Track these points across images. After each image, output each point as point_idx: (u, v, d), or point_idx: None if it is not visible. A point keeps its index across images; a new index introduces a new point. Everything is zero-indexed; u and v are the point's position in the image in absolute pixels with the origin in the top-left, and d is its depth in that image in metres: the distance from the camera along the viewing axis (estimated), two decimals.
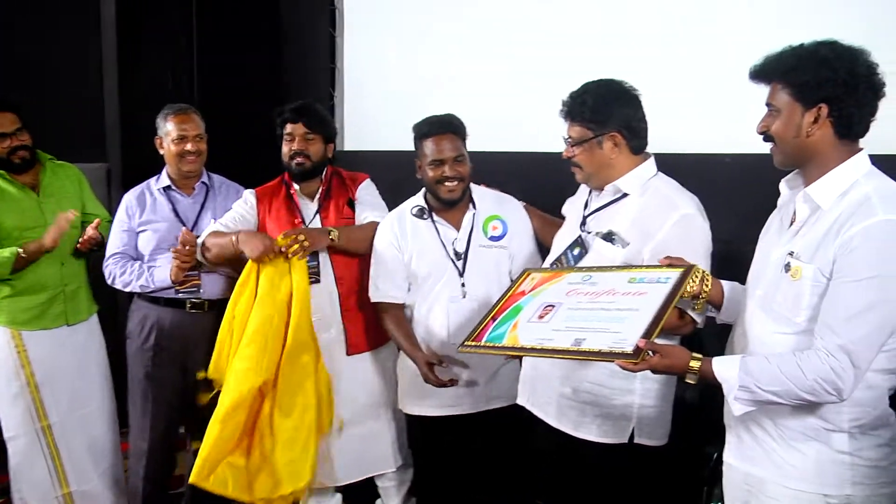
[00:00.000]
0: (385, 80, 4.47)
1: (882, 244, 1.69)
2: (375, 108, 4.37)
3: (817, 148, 1.82)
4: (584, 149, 2.36)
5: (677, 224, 2.25)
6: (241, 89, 4.68)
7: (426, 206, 2.92)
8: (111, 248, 3.26)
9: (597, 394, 2.36)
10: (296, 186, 3.13)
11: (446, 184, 2.81)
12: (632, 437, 2.36)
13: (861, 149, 1.84)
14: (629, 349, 1.90)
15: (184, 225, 3.20)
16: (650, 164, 2.40)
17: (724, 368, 1.83)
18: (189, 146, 3.20)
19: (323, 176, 3.16)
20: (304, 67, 4.93)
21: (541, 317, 2.20)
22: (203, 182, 3.35)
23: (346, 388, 3.05)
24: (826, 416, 1.80)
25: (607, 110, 2.32)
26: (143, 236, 3.24)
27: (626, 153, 2.36)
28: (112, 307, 3.70)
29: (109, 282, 3.25)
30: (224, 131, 4.58)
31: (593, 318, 2.08)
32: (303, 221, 3.07)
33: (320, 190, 3.14)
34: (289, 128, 3.06)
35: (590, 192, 2.51)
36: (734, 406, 1.82)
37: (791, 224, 1.92)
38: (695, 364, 1.87)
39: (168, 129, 3.20)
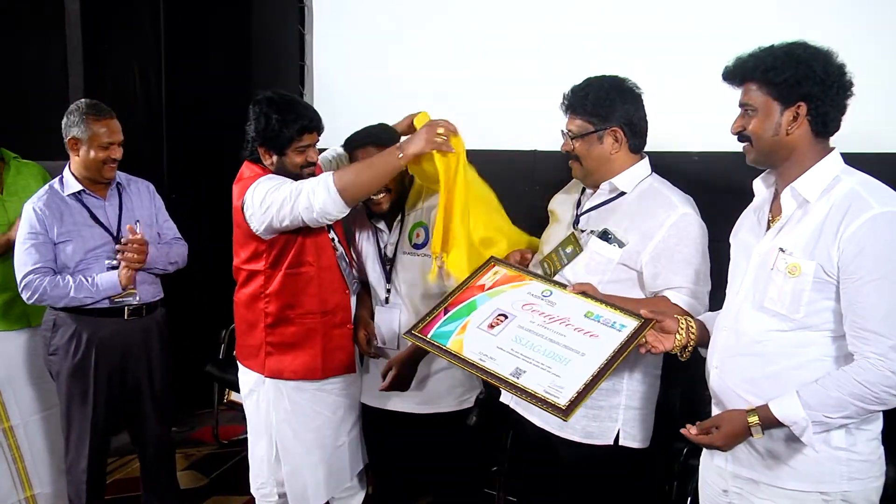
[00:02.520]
0: (354, 78, 4.47)
1: (888, 236, 1.72)
2: (344, 106, 4.34)
3: (795, 146, 1.86)
4: (584, 143, 2.34)
5: (676, 224, 2.26)
6: (209, 86, 4.67)
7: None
8: (26, 264, 2.96)
9: None
10: None
11: (373, 198, 2.77)
12: (616, 439, 2.36)
13: (833, 147, 1.89)
14: (562, 403, 1.98)
15: (107, 231, 3.07)
16: (645, 163, 2.41)
17: (786, 411, 1.79)
18: (115, 154, 3.04)
19: None
20: (274, 65, 4.93)
21: (491, 326, 2.25)
22: (116, 183, 3.18)
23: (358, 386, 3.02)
24: None
25: (610, 105, 2.31)
26: (65, 248, 3.01)
27: (625, 151, 2.35)
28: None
29: (32, 301, 2.98)
30: (192, 128, 4.58)
31: (540, 348, 2.14)
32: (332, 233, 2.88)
33: None
34: (307, 138, 2.75)
35: (583, 189, 2.50)
36: (812, 441, 1.78)
37: (770, 221, 1.95)
38: (753, 419, 1.83)
39: (92, 133, 2.99)
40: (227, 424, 4.61)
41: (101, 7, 4.28)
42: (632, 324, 2.11)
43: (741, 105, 1.92)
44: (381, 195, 2.76)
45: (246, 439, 4.42)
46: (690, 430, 1.90)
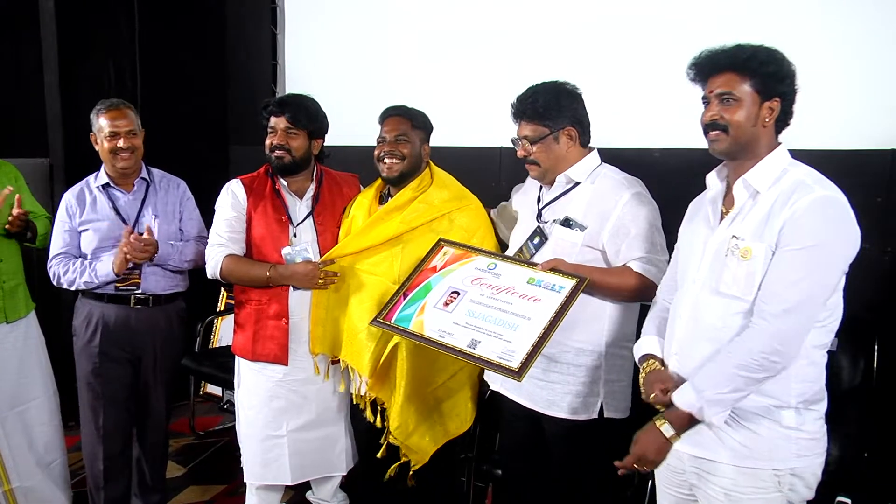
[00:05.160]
0: (325, 77, 4.53)
1: (821, 215, 1.83)
2: None
3: (761, 139, 1.95)
4: (542, 146, 2.48)
5: (629, 203, 2.41)
6: (183, 85, 4.71)
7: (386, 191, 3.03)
8: (54, 248, 3.19)
9: (565, 373, 2.47)
10: (282, 181, 3.09)
11: (386, 160, 2.90)
12: (601, 412, 2.47)
13: (780, 142, 1.99)
14: (515, 366, 2.17)
15: (125, 222, 3.16)
16: (595, 155, 2.56)
17: (683, 400, 1.91)
18: (121, 143, 3.11)
19: (313, 174, 3.13)
20: (247, 64, 4.99)
21: (446, 304, 2.46)
22: (143, 178, 3.27)
23: (316, 388, 3.12)
24: (775, 393, 1.90)
25: (561, 107, 2.46)
26: (84, 235, 3.17)
27: (577, 147, 2.50)
28: (55, 304, 3.68)
29: (55, 282, 3.18)
30: (166, 126, 4.60)
31: (491, 318, 2.34)
32: (289, 219, 3.04)
33: (312, 190, 3.11)
34: (272, 121, 3.00)
35: (540, 186, 2.63)
36: (714, 419, 1.89)
37: (724, 213, 2.03)
38: (662, 424, 1.95)
39: (100, 126, 3.13)
40: (203, 416, 4.68)
41: (76, 6, 4.30)
42: (569, 284, 2.30)
43: (718, 95, 1.95)
44: (394, 160, 2.89)
45: (221, 430, 4.54)
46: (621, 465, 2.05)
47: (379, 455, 2.90)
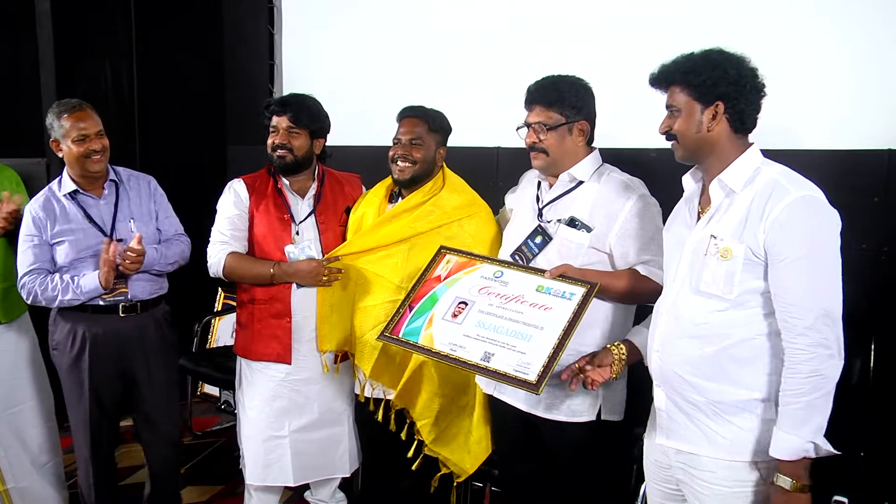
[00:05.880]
0: (323, 77, 4.52)
1: (805, 218, 1.86)
2: None
3: (716, 142, 2.00)
4: (556, 134, 2.45)
5: (636, 205, 2.40)
6: (180, 85, 4.72)
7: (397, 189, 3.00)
8: (23, 265, 2.98)
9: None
10: (284, 180, 3.09)
11: (398, 163, 2.88)
12: (599, 414, 2.46)
13: (752, 142, 2.03)
14: (532, 378, 2.12)
15: (101, 231, 3.02)
16: (597, 154, 2.55)
17: (793, 450, 1.84)
18: (95, 145, 2.97)
19: (315, 174, 3.14)
20: (244, 64, 4.99)
21: (454, 315, 2.38)
22: (111, 180, 3.10)
23: (319, 388, 3.12)
24: (754, 386, 1.93)
25: (580, 99, 2.46)
26: (59, 248, 2.99)
27: (583, 143, 2.49)
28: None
29: (29, 301, 2.99)
30: (163, 127, 4.62)
31: (503, 328, 2.28)
32: (292, 218, 3.04)
33: (314, 189, 3.12)
34: (274, 120, 3.00)
35: (539, 184, 2.61)
36: (830, 447, 1.84)
37: (701, 212, 2.07)
38: (786, 482, 1.86)
39: (65, 129, 2.95)
40: (200, 416, 4.68)
41: (72, 6, 4.30)
42: (580, 291, 2.25)
43: (667, 107, 2.06)
44: (406, 164, 2.87)
45: (219, 430, 4.53)
46: None
47: (414, 467, 2.86)
